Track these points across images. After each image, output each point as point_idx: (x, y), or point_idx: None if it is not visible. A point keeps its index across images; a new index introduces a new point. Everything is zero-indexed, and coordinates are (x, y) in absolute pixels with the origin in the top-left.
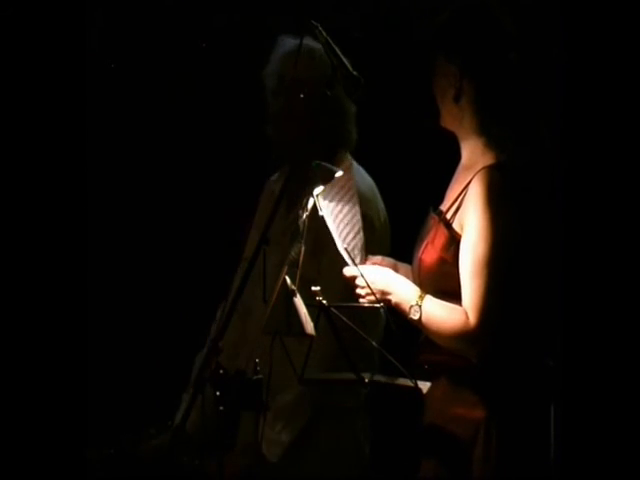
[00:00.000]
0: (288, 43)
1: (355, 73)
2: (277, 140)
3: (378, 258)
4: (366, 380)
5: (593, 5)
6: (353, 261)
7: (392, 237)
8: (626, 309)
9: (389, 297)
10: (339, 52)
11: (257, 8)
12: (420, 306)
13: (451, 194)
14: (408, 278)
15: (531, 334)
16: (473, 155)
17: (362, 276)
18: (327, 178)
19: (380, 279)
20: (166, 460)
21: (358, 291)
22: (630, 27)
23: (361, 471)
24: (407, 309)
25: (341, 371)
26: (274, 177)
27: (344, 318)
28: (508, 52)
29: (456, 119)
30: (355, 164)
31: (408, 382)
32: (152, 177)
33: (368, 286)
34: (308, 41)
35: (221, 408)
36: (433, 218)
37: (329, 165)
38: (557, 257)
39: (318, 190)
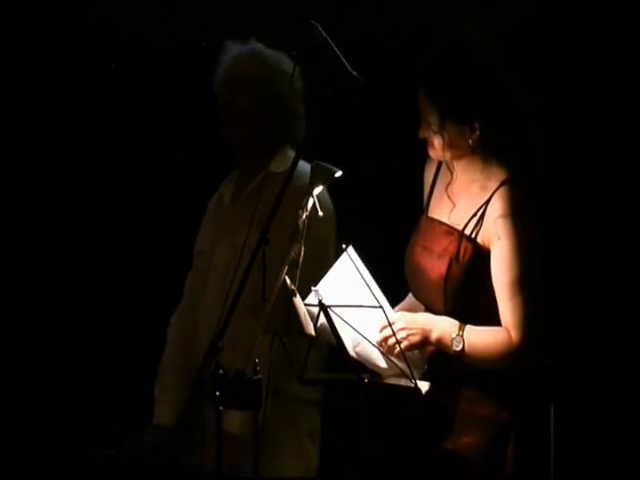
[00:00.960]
0: (234, 48)
1: (355, 73)
2: (229, 141)
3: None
4: (366, 380)
5: (593, 12)
6: (384, 312)
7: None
8: (625, 309)
9: (430, 333)
10: (338, 52)
11: (257, 9)
12: (462, 336)
13: (460, 206)
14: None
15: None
16: (478, 170)
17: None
18: (326, 178)
19: (420, 318)
20: (164, 459)
21: (399, 335)
22: (629, 36)
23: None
24: (449, 342)
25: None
26: (224, 182)
27: (343, 318)
28: (504, 85)
29: (447, 146)
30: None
31: (408, 382)
32: (145, 177)
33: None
34: (254, 44)
35: (221, 408)
36: (449, 233)
37: (328, 165)
38: (557, 258)
39: (317, 190)
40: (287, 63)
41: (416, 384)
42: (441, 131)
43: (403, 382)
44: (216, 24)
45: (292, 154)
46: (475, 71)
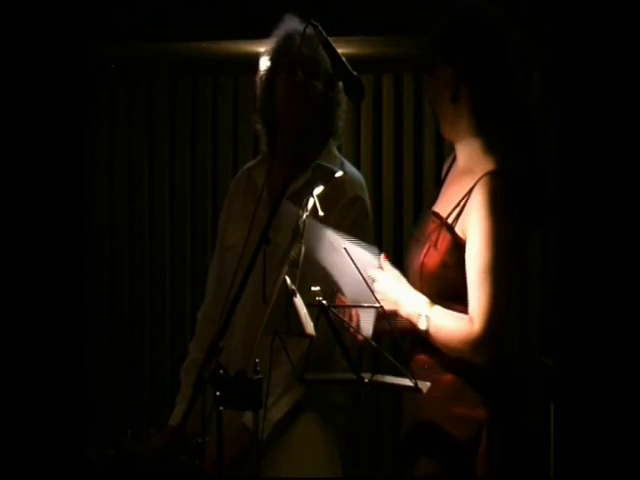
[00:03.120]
0: (293, 24)
1: (355, 73)
2: (282, 128)
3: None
4: (366, 380)
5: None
6: (365, 281)
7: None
8: (625, 309)
9: (400, 307)
10: (338, 52)
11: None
12: (428, 317)
13: (449, 196)
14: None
15: (527, 335)
16: (471, 159)
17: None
18: (327, 178)
19: (392, 289)
20: (166, 460)
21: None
22: (630, 31)
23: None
24: (416, 319)
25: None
26: (250, 164)
27: (344, 319)
28: (505, 54)
29: (452, 122)
30: (339, 156)
31: (408, 382)
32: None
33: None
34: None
35: (221, 408)
36: (433, 222)
37: (329, 165)
38: (556, 257)
39: (318, 190)
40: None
41: (416, 384)
42: (455, 94)
43: (402, 382)
44: (213, 18)
45: (335, 150)
46: (492, 28)
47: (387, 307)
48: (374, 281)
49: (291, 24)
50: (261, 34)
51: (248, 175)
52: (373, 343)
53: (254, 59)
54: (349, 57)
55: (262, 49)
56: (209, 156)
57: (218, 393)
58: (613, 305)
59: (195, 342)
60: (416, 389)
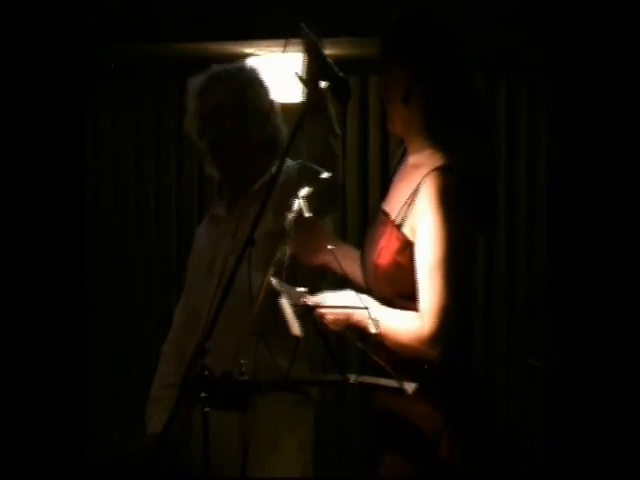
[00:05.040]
0: (194, 82)
1: (341, 74)
2: (220, 169)
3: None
4: (352, 381)
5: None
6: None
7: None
8: (623, 311)
9: (351, 317)
10: (325, 53)
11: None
12: (376, 319)
13: (398, 194)
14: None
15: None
16: (421, 155)
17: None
18: (312, 179)
19: (340, 301)
20: (152, 462)
21: (327, 317)
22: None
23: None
24: (365, 325)
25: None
26: (213, 205)
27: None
28: (457, 53)
29: (404, 121)
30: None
31: (394, 383)
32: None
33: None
34: (215, 68)
35: (206, 409)
36: (383, 221)
37: (314, 166)
38: (553, 259)
39: (304, 192)
40: (252, 73)
41: (402, 384)
42: (408, 93)
43: (388, 383)
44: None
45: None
46: (444, 28)
47: (338, 322)
48: (322, 303)
49: (192, 85)
50: (250, 36)
51: (209, 215)
52: (359, 344)
53: (241, 60)
54: (336, 58)
55: (251, 50)
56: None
57: (204, 394)
58: (611, 307)
59: (160, 377)
60: (402, 390)
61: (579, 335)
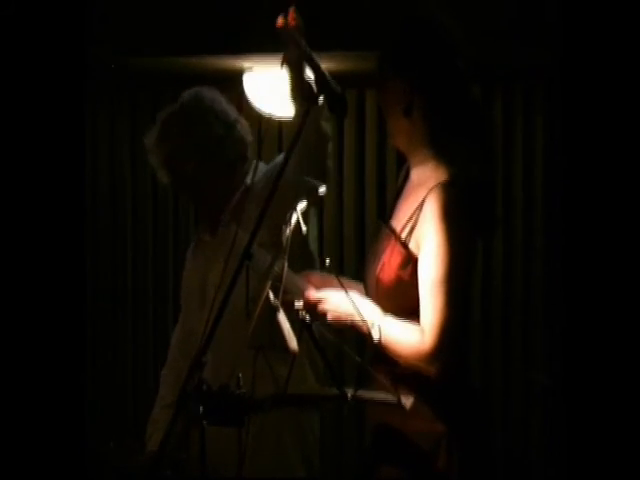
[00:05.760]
0: (147, 137)
1: (338, 89)
2: (192, 202)
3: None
4: (349, 396)
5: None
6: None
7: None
8: (623, 323)
9: (353, 318)
10: (322, 67)
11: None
12: (380, 326)
13: (403, 210)
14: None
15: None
16: (424, 171)
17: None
18: (311, 194)
19: (344, 302)
20: (151, 476)
21: (329, 316)
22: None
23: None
24: (369, 328)
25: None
26: (197, 230)
27: (327, 334)
28: (457, 65)
29: (406, 134)
30: (260, 164)
31: (391, 397)
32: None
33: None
34: (161, 114)
35: (204, 423)
36: (387, 236)
37: (312, 180)
38: (557, 273)
39: (301, 206)
40: (195, 107)
41: (399, 399)
42: (409, 106)
43: (386, 397)
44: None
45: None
46: (443, 38)
47: (342, 319)
48: (323, 301)
49: (150, 134)
50: (246, 50)
51: (194, 241)
52: (357, 358)
53: (237, 74)
54: (332, 72)
55: (248, 64)
56: None
57: (201, 408)
58: (611, 319)
59: (160, 399)
60: (399, 404)
61: (579, 349)
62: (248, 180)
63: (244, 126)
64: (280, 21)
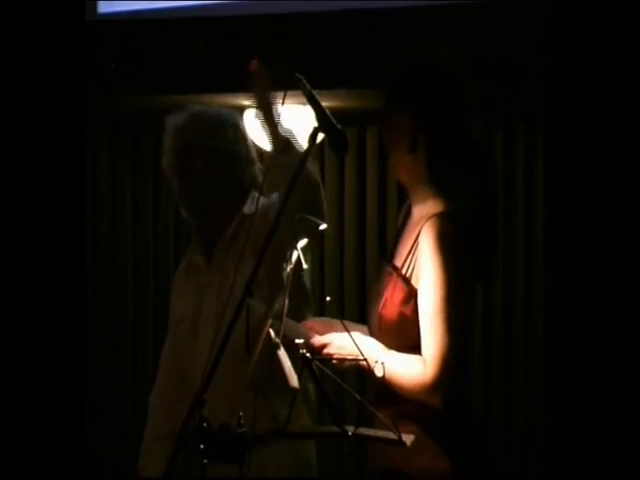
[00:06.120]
0: (170, 119)
1: (339, 126)
2: (189, 209)
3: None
4: (350, 433)
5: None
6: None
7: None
8: (624, 362)
9: (358, 358)
10: (322, 105)
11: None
12: (383, 363)
13: (404, 247)
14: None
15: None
16: (425, 207)
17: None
18: (311, 232)
19: (348, 343)
20: None
21: (335, 357)
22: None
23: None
24: (372, 367)
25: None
26: (190, 248)
27: (328, 371)
28: (462, 100)
29: (409, 170)
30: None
31: (392, 435)
32: None
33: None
34: (192, 108)
35: (205, 461)
36: (389, 273)
37: (313, 218)
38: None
39: (302, 244)
40: (229, 117)
41: (400, 437)
42: (414, 142)
43: (386, 434)
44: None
45: (256, 195)
46: (450, 78)
47: (347, 360)
48: (328, 345)
49: (169, 123)
50: (246, 87)
51: (187, 260)
52: (357, 396)
53: (239, 111)
54: (333, 110)
55: (248, 102)
56: None
57: (202, 446)
58: (610, 356)
59: (151, 429)
60: (400, 442)
61: (580, 388)
62: (246, 210)
63: (256, 164)
64: (254, 65)
